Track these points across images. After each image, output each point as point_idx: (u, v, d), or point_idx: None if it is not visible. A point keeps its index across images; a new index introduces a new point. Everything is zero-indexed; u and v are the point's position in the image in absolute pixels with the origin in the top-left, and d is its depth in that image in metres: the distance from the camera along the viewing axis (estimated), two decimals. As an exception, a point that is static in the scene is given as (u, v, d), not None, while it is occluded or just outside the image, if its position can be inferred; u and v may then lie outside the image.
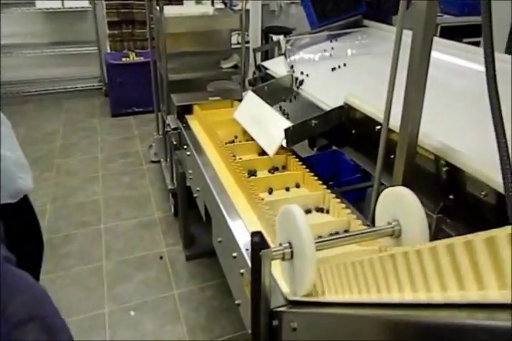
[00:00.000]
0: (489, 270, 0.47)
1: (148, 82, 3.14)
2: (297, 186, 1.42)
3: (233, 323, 1.91)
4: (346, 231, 1.16)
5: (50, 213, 2.68)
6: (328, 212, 1.28)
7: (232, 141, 1.70)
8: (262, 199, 1.24)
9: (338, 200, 1.25)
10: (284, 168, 1.53)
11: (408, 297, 0.56)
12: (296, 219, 0.87)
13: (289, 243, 0.89)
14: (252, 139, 1.62)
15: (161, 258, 2.31)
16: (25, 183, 1.37)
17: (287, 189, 1.41)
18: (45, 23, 4.36)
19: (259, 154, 1.60)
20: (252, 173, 1.45)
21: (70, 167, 3.23)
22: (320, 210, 1.29)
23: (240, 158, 1.54)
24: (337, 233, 1.14)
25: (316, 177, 1.37)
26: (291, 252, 0.88)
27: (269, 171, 1.50)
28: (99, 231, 2.52)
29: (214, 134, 1.68)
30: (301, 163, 1.46)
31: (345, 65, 1.72)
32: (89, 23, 4.38)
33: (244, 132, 1.71)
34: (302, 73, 1.72)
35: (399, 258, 0.59)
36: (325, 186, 1.32)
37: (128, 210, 2.72)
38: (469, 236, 0.50)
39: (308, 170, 1.41)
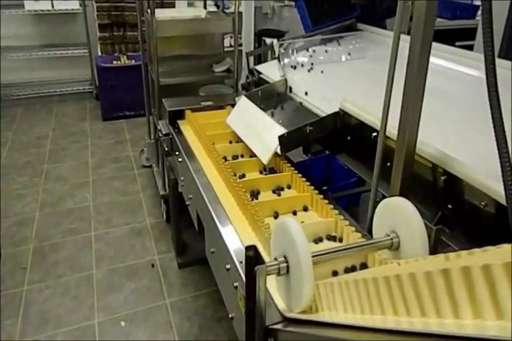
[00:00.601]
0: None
1: (140, 85, 3.09)
2: (305, 209, 1.29)
3: (227, 333, 1.87)
4: (364, 264, 1.01)
5: (38, 220, 2.62)
6: (341, 240, 1.14)
7: (233, 157, 1.59)
8: (268, 227, 1.12)
9: (353, 229, 1.12)
10: (290, 187, 1.40)
11: (416, 322, 0.53)
12: (292, 231, 0.84)
13: (285, 257, 0.86)
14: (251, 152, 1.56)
15: (153, 266, 2.26)
16: None
17: (294, 213, 1.28)
18: (35, 26, 4.31)
19: (261, 172, 1.50)
20: (255, 194, 1.35)
21: (60, 172, 3.17)
22: (332, 238, 1.15)
23: (242, 176, 1.46)
24: (353, 267, 1.00)
25: (326, 201, 1.25)
26: (287, 267, 0.85)
27: (274, 191, 1.38)
28: (89, 239, 2.47)
29: (212, 148, 1.57)
30: (308, 183, 1.34)
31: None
32: (79, 26, 4.33)
33: (239, 139, 1.67)
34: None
35: (404, 279, 0.56)
36: (337, 211, 1.20)
37: (119, 217, 2.67)
38: (466, 262, 0.47)
39: (317, 191, 1.30)
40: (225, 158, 1.55)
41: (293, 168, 1.43)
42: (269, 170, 1.50)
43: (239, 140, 1.66)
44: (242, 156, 1.62)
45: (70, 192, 2.92)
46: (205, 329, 1.90)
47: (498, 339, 0.39)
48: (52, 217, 2.65)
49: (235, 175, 1.43)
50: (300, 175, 1.39)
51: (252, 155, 1.56)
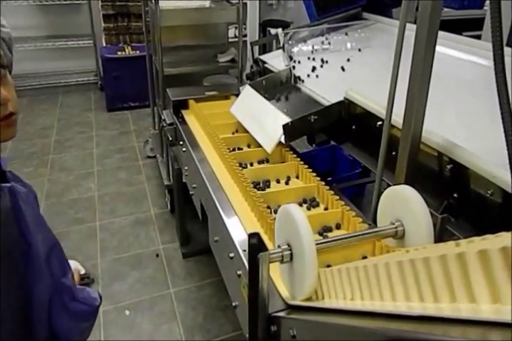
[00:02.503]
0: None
1: (145, 76, 3.08)
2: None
3: (232, 322, 1.88)
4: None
5: (43, 210, 2.63)
6: None
7: (236, 149, 1.56)
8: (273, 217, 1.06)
9: (360, 220, 1.08)
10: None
11: (405, 306, 0.53)
12: (296, 219, 0.83)
13: (288, 244, 0.86)
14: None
15: (157, 255, 2.28)
16: None
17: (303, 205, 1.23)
18: (40, 16, 4.29)
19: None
20: (261, 188, 1.31)
21: (65, 162, 3.18)
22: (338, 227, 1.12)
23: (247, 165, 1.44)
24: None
25: (332, 192, 1.20)
26: (291, 254, 0.85)
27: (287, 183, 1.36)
28: (93, 229, 2.48)
29: (215, 137, 1.56)
30: (316, 174, 1.29)
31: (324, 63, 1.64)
32: (84, 16, 4.31)
33: (244, 129, 1.66)
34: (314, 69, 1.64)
35: (406, 265, 0.56)
36: (343, 201, 1.16)
37: (123, 207, 2.68)
38: (462, 248, 0.48)
39: (323, 182, 1.25)
40: (231, 154, 1.49)
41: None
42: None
43: (243, 130, 1.65)
44: (248, 147, 1.59)
45: (74, 183, 2.93)
46: (210, 319, 1.91)
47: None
48: (58, 207, 2.66)
49: (240, 165, 1.40)
50: (306, 167, 1.34)
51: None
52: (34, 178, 2.95)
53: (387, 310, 0.53)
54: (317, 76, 1.62)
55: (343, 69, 1.61)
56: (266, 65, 1.89)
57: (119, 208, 2.67)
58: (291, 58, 1.76)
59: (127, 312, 1.93)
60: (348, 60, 1.71)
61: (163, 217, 2.59)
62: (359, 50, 1.82)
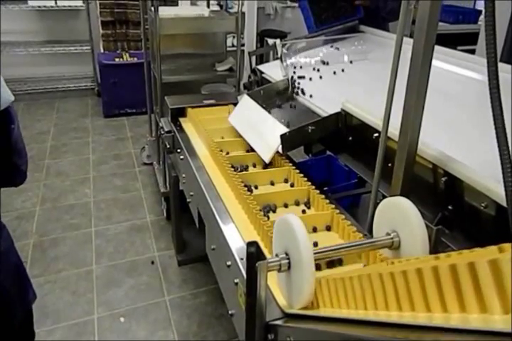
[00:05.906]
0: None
1: (142, 83, 3.10)
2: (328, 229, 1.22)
3: (227, 331, 1.88)
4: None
5: (39, 215, 2.63)
6: None
7: (243, 169, 1.52)
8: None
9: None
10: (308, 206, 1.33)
11: (407, 317, 0.54)
12: (294, 228, 0.85)
13: (286, 253, 0.87)
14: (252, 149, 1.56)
15: (153, 263, 2.27)
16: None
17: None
18: (38, 22, 4.31)
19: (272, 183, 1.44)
20: (268, 211, 1.29)
21: (61, 168, 3.18)
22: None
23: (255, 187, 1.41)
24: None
25: (348, 222, 1.16)
26: (289, 263, 0.86)
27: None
28: (89, 235, 2.47)
29: (214, 148, 1.57)
30: (327, 200, 1.26)
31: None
32: (82, 22, 4.34)
33: (240, 138, 1.68)
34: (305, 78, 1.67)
35: (398, 277, 0.57)
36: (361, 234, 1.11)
37: (119, 213, 2.68)
38: (472, 258, 0.49)
39: (338, 210, 1.21)
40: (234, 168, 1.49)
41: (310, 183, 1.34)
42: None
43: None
44: (254, 166, 1.56)
45: (70, 188, 2.93)
46: (204, 327, 1.91)
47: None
48: (53, 212, 2.66)
49: (246, 187, 1.36)
50: (318, 192, 1.31)
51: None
52: (30, 183, 2.94)
53: (389, 320, 0.55)
54: (314, 86, 1.65)
55: (340, 82, 1.63)
56: (263, 75, 1.92)
57: (114, 214, 2.67)
58: (288, 69, 1.79)
59: (122, 319, 1.93)
60: (344, 71, 1.74)
61: (159, 224, 2.59)
62: (355, 62, 1.85)
